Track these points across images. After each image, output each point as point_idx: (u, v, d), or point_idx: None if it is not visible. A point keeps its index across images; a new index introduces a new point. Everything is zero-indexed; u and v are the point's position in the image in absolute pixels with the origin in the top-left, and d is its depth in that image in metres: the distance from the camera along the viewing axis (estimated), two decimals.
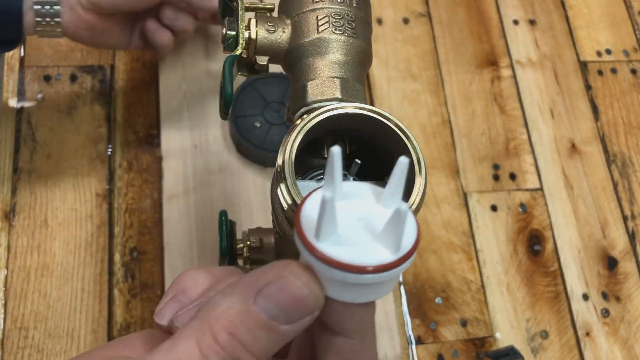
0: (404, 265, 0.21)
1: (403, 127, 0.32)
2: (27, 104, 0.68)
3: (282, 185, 0.31)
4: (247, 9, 0.38)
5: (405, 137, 0.32)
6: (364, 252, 0.21)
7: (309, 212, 0.21)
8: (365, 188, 0.23)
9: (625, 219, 0.71)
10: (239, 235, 0.51)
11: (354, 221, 0.21)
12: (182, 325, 0.21)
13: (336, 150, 0.21)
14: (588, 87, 0.78)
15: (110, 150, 0.67)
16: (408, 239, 0.21)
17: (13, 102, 0.67)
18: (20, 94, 0.68)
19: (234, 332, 0.19)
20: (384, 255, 0.21)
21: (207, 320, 0.20)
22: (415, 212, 0.30)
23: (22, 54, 0.70)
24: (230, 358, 0.19)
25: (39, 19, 0.49)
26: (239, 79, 0.67)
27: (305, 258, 0.21)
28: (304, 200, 0.22)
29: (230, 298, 0.20)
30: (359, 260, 0.20)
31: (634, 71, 0.79)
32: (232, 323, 0.20)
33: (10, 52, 0.69)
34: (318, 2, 0.37)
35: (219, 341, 0.19)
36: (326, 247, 0.20)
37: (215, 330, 0.19)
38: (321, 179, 0.36)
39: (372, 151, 0.36)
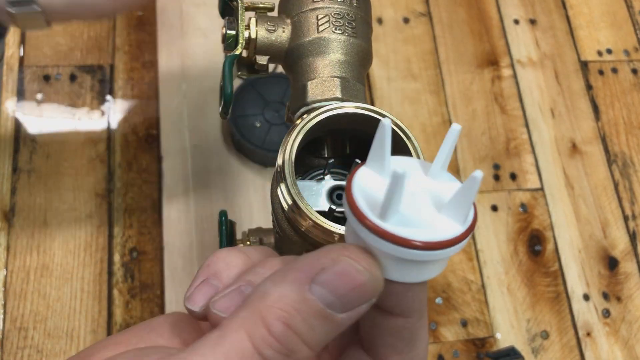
0: (470, 235, 0.20)
1: (403, 127, 0.32)
2: (26, 104, 0.67)
3: (282, 185, 0.30)
4: (247, 9, 0.38)
5: (406, 137, 0.32)
6: (432, 227, 0.20)
7: (362, 191, 0.20)
8: (410, 162, 0.22)
9: (626, 219, 0.71)
10: (238, 236, 0.51)
11: (409, 196, 0.20)
12: (228, 316, 0.19)
13: (387, 123, 0.19)
14: (589, 87, 0.77)
15: (109, 150, 0.66)
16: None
17: (12, 102, 0.67)
18: (20, 94, 0.68)
19: (289, 323, 0.18)
20: (454, 227, 0.20)
21: (258, 310, 0.18)
22: None
23: (21, 53, 0.70)
24: (285, 350, 0.18)
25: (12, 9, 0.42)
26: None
27: (366, 241, 0.19)
28: (351, 178, 0.20)
29: (282, 286, 0.18)
30: (433, 237, 0.19)
31: (634, 71, 0.79)
32: (286, 313, 0.18)
33: (10, 52, 0.69)
34: (318, 1, 0.37)
35: (273, 332, 0.18)
36: (395, 227, 0.19)
37: (269, 320, 0.18)
38: (321, 178, 0.36)
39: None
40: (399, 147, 0.32)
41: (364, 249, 0.19)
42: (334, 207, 0.34)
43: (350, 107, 0.33)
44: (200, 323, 0.22)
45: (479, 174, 0.19)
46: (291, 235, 0.32)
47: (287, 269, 0.19)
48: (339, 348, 0.23)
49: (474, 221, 0.20)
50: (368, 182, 0.20)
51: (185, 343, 0.22)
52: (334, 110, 0.32)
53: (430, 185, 0.21)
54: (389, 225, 0.19)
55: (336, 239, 0.29)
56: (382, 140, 0.20)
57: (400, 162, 0.22)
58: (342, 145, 0.38)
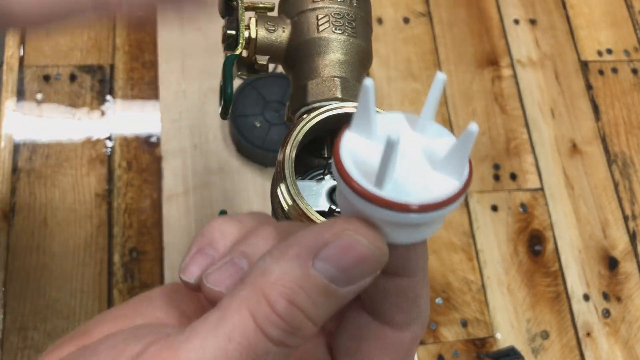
0: (466, 191, 0.19)
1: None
2: (26, 104, 0.67)
3: (282, 185, 0.30)
4: (247, 9, 0.38)
5: None
6: (428, 187, 0.19)
7: (352, 157, 0.19)
8: (396, 118, 0.21)
9: (626, 219, 0.71)
10: None
11: (401, 157, 0.19)
12: (221, 289, 0.19)
13: (369, 83, 0.19)
14: (589, 87, 0.77)
15: (109, 150, 0.66)
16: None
17: (12, 102, 0.67)
18: (20, 94, 0.68)
19: (293, 300, 0.17)
20: (450, 184, 0.19)
21: (260, 288, 0.17)
22: None
23: (21, 53, 0.70)
24: (290, 328, 0.17)
25: None
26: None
27: (364, 210, 0.18)
28: (336, 149, 0.19)
29: (284, 262, 0.18)
30: (430, 197, 0.18)
31: (634, 71, 0.79)
32: (290, 289, 0.17)
33: (10, 52, 0.69)
34: (318, 1, 0.37)
35: (277, 310, 0.17)
36: (392, 194, 0.18)
37: (272, 298, 0.17)
38: (321, 178, 0.36)
39: None
40: None
41: (366, 222, 0.19)
42: (333, 207, 0.34)
43: (350, 107, 0.33)
44: (198, 294, 0.21)
45: (474, 127, 0.18)
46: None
47: (288, 244, 0.18)
48: (340, 313, 0.22)
49: (469, 176, 0.19)
50: (356, 147, 0.19)
51: (184, 315, 0.21)
52: (334, 110, 0.32)
53: (420, 140, 0.20)
54: (386, 193, 0.18)
55: None
56: (366, 101, 0.19)
57: (387, 122, 0.21)
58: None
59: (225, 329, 0.17)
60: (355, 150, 0.19)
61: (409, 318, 0.21)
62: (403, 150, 0.19)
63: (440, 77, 0.20)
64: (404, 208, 0.18)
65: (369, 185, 0.18)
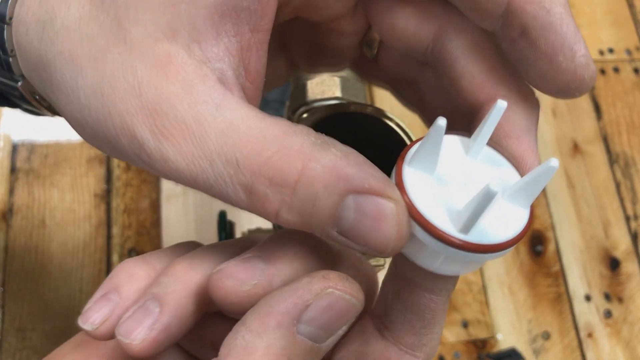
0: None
1: (404, 126, 0.32)
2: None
3: None
4: None
5: (407, 136, 0.32)
6: (508, 224, 0.18)
7: (423, 200, 0.18)
8: (449, 142, 0.20)
9: (627, 219, 0.70)
10: (238, 236, 0.50)
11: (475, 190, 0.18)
12: (139, 343, 0.18)
13: (442, 123, 0.17)
14: None
15: None
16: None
17: None
18: None
19: None
20: (522, 216, 0.19)
21: None
22: None
23: None
24: None
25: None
26: None
27: (437, 250, 0.18)
28: (402, 188, 0.18)
29: (266, 335, 0.17)
30: (512, 234, 0.18)
31: (636, 70, 0.79)
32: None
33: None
34: None
35: None
36: (479, 237, 0.18)
37: None
38: None
39: (372, 151, 0.36)
40: (401, 146, 0.32)
41: (344, 275, 0.18)
42: None
43: (350, 106, 0.32)
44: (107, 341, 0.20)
45: (555, 163, 0.17)
46: None
47: (267, 312, 0.17)
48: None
49: (532, 211, 0.19)
50: (420, 186, 0.18)
51: None
52: (334, 110, 0.32)
53: (482, 169, 0.19)
54: (472, 237, 0.18)
55: None
56: (435, 141, 0.18)
57: (451, 153, 0.19)
58: (349, 145, 0.38)
59: None
60: (422, 190, 0.18)
61: (419, 342, 0.20)
62: (474, 183, 0.19)
63: (501, 105, 0.18)
64: (490, 249, 0.18)
65: (455, 233, 0.17)
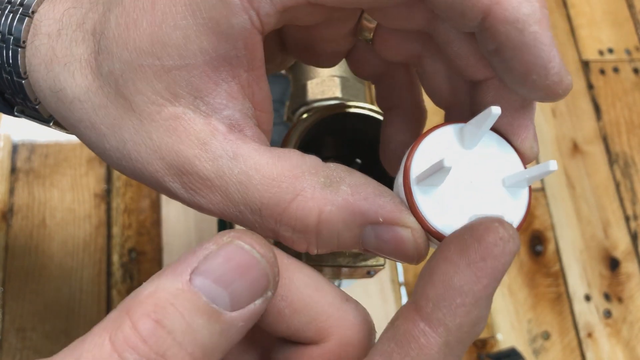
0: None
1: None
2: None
3: None
4: None
5: None
6: (507, 216, 0.20)
7: (440, 220, 0.19)
8: (445, 136, 0.20)
9: (627, 219, 0.70)
10: None
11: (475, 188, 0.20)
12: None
13: (447, 164, 0.18)
14: (590, 87, 0.77)
15: None
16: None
17: None
18: None
19: (160, 319, 0.14)
20: (522, 203, 0.20)
21: (127, 308, 0.15)
22: None
23: None
24: (154, 354, 0.14)
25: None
26: None
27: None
28: (418, 216, 0.19)
29: (158, 279, 0.15)
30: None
31: (636, 70, 0.79)
32: (158, 306, 0.15)
33: None
34: None
35: (140, 330, 0.14)
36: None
37: (136, 317, 0.15)
38: None
39: (372, 150, 0.36)
40: None
41: (257, 235, 0.17)
42: None
43: (350, 107, 0.32)
44: None
45: (554, 166, 0.19)
46: None
47: (171, 263, 0.16)
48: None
49: (529, 199, 0.20)
50: (432, 202, 0.19)
51: None
52: (334, 110, 0.32)
53: (480, 160, 0.20)
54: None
55: None
56: (441, 176, 0.19)
57: (438, 145, 0.20)
58: (342, 145, 0.38)
59: (76, 354, 0.15)
60: (434, 205, 0.19)
61: (434, 313, 0.17)
62: (479, 181, 0.20)
63: (495, 112, 0.19)
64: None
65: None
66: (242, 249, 0.16)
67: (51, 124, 0.24)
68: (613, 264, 0.68)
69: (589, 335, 0.64)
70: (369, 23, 0.24)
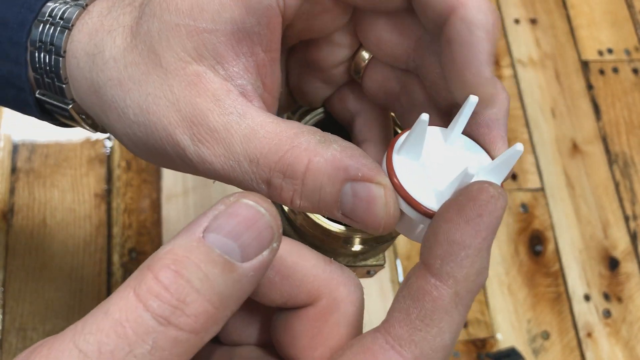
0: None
1: (401, 125, 0.32)
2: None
3: None
4: None
5: None
6: None
7: (411, 184, 0.21)
8: (431, 132, 0.23)
9: (627, 219, 0.71)
10: None
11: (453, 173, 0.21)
12: None
13: (425, 117, 0.20)
14: (589, 87, 0.77)
15: (109, 150, 0.66)
16: None
17: None
18: None
19: (179, 270, 0.16)
20: None
21: (147, 265, 0.16)
22: None
23: None
24: (174, 300, 0.15)
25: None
26: None
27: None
28: (392, 173, 0.21)
29: (174, 240, 0.17)
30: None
31: (635, 70, 0.79)
32: (176, 260, 0.16)
33: None
34: None
35: (161, 280, 0.16)
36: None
37: (156, 270, 0.16)
38: None
39: None
40: None
41: (260, 194, 0.18)
42: None
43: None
44: None
45: (520, 147, 0.20)
46: (291, 235, 0.32)
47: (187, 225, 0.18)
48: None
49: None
50: (409, 171, 0.21)
51: None
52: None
53: (458, 154, 0.22)
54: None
55: (337, 240, 0.29)
56: (420, 133, 0.21)
57: (434, 140, 0.22)
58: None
59: (104, 308, 0.16)
60: (409, 174, 0.21)
61: (409, 337, 0.18)
62: (453, 166, 0.21)
63: (473, 100, 0.21)
64: None
65: (435, 207, 0.20)
66: (248, 205, 0.17)
67: (70, 106, 0.26)
68: (612, 263, 0.68)
69: (589, 335, 0.64)
70: (362, 62, 0.27)
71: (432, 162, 0.21)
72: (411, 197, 0.20)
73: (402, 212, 0.21)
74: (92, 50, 0.24)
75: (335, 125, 0.33)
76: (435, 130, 0.23)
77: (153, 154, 0.23)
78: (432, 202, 0.20)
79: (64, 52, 0.25)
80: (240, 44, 0.22)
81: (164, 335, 0.15)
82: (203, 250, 0.16)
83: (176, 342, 0.16)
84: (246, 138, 0.21)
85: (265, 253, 0.17)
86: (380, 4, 0.23)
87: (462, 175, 0.19)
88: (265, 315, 0.22)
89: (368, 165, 0.21)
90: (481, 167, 0.21)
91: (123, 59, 0.23)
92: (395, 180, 0.21)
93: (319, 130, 0.22)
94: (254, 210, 0.17)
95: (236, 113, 0.21)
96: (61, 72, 0.25)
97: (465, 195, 0.18)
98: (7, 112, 0.67)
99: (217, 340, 0.23)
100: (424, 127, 0.20)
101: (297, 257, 0.20)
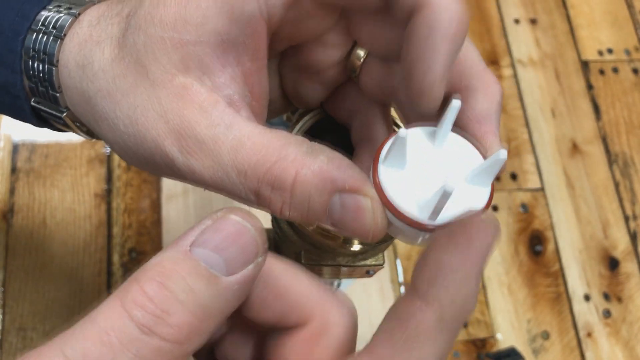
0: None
1: (402, 125, 0.32)
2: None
3: None
4: None
5: None
6: (469, 206, 0.21)
7: (398, 193, 0.21)
8: (416, 134, 0.23)
9: (626, 219, 0.71)
10: None
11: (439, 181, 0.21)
12: None
13: (403, 134, 0.20)
14: (589, 87, 0.77)
15: (108, 150, 0.66)
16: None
17: None
18: None
19: (164, 282, 0.16)
20: (483, 194, 0.21)
21: (135, 277, 0.17)
22: None
23: None
24: (158, 311, 0.16)
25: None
26: None
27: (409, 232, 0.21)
28: (378, 185, 0.21)
29: (162, 253, 0.17)
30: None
31: (635, 70, 0.79)
32: (162, 272, 0.17)
33: None
34: None
35: (146, 291, 0.16)
36: (442, 220, 0.20)
37: (142, 282, 0.16)
38: None
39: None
40: None
41: (246, 210, 0.19)
42: None
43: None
44: None
45: (504, 155, 0.20)
46: (290, 235, 0.32)
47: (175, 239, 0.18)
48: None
49: (492, 189, 0.22)
50: (394, 181, 0.21)
51: None
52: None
53: (446, 156, 0.22)
54: (439, 221, 0.20)
55: (336, 240, 0.29)
56: (402, 148, 0.21)
57: (411, 142, 0.22)
58: (343, 145, 0.38)
59: (89, 319, 0.16)
60: (395, 184, 0.21)
61: (391, 358, 0.19)
62: (440, 171, 0.22)
63: (456, 104, 0.21)
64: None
65: (424, 219, 0.20)
66: (234, 221, 0.18)
67: (64, 114, 0.27)
68: (612, 263, 0.68)
69: (589, 334, 0.64)
70: (357, 60, 0.27)
71: (419, 169, 0.22)
72: (395, 208, 0.21)
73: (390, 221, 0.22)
74: (82, 61, 0.24)
75: (335, 123, 0.33)
76: (423, 132, 0.23)
77: (144, 163, 0.23)
78: (416, 212, 0.21)
79: (57, 61, 0.25)
80: (226, 54, 0.22)
81: (147, 345, 0.16)
82: (189, 264, 0.17)
83: (159, 352, 0.16)
84: (234, 150, 0.21)
85: (250, 267, 0.18)
86: (359, 3, 0.24)
87: (441, 193, 0.19)
88: (260, 336, 0.23)
89: (355, 177, 0.21)
90: (466, 173, 0.22)
91: (111, 71, 0.23)
92: (381, 191, 0.21)
93: (306, 140, 0.22)
94: (239, 226, 0.18)
95: (223, 125, 0.21)
96: (55, 81, 0.25)
97: (457, 223, 0.19)
98: None
99: (212, 359, 0.24)
100: (403, 142, 0.21)
101: (291, 277, 0.21)
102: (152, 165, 0.23)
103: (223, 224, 0.18)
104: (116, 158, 0.66)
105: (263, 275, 0.21)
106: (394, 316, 0.19)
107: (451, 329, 0.18)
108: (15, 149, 0.65)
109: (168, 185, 0.65)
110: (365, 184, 0.21)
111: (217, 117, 0.22)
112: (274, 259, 0.21)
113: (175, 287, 0.16)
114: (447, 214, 0.20)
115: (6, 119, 0.66)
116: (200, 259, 0.17)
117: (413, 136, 0.22)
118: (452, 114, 0.22)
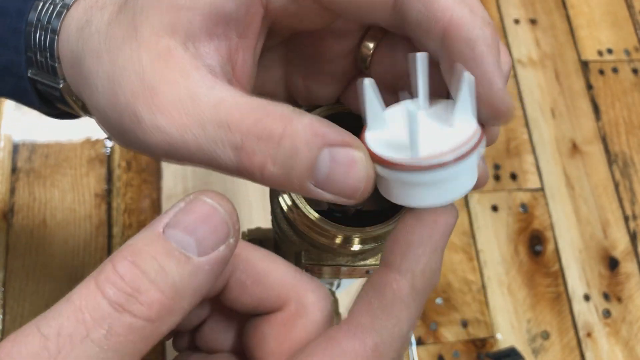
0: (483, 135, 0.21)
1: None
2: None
3: None
4: None
5: None
6: (456, 139, 0.21)
7: (384, 148, 0.21)
8: (400, 107, 0.23)
9: (626, 219, 0.71)
10: None
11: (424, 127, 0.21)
12: None
13: (368, 82, 0.20)
14: (589, 87, 0.77)
15: (109, 150, 0.66)
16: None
17: (12, 102, 0.67)
18: None
19: (136, 261, 0.17)
20: (471, 127, 0.21)
21: (109, 258, 0.18)
22: None
23: None
24: (129, 289, 0.17)
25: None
26: None
27: (406, 181, 0.20)
28: (367, 147, 0.21)
29: (138, 235, 0.18)
30: (462, 142, 0.20)
31: (635, 71, 0.79)
32: (134, 252, 0.17)
33: None
34: None
35: (118, 270, 0.17)
36: (429, 156, 0.20)
37: (115, 261, 0.17)
38: None
39: None
40: None
41: (220, 193, 0.19)
42: (333, 207, 0.33)
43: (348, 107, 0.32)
44: None
45: (469, 76, 0.20)
46: (290, 235, 0.32)
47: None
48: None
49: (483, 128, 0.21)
50: (380, 140, 0.21)
51: None
52: (334, 109, 0.32)
53: (430, 111, 0.22)
54: (424, 157, 0.20)
55: (336, 240, 0.29)
56: (372, 99, 0.21)
57: (395, 112, 0.22)
58: None
59: (67, 298, 0.17)
60: (378, 140, 0.21)
61: (371, 325, 0.20)
62: (422, 122, 0.21)
63: (421, 56, 0.21)
64: (441, 165, 0.20)
65: (410, 160, 0.20)
66: (205, 202, 0.18)
67: (61, 85, 0.27)
68: (612, 263, 0.68)
69: (588, 334, 0.65)
70: (367, 51, 0.26)
71: (402, 126, 0.22)
72: (384, 159, 0.21)
73: (378, 177, 0.21)
74: (82, 24, 0.24)
75: (345, 121, 0.33)
76: (404, 104, 0.23)
77: (115, 129, 0.23)
78: (404, 156, 0.20)
79: (60, 29, 0.25)
80: (216, 25, 0.22)
81: (119, 322, 0.16)
82: (160, 244, 0.17)
83: (131, 329, 0.17)
84: (215, 107, 0.20)
85: (222, 248, 0.18)
86: (367, 18, 0.23)
87: (407, 116, 0.19)
88: (240, 323, 0.23)
89: (344, 133, 0.21)
90: (450, 110, 0.22)
91: (105, 32, 0.23)
92: (366, 146, 0.21)
93: (291, 105, 0.22)
94: (210, 207, 0.18)
95: (205, 86, 0.21)
96: (55, 50, 0.25)
97: (424, 210, 0.21)
98: (7, 112, 0.67)
99: (194, 347, 0.24)
100: (370, 91, 0.21)
101: (269, 263, 0.22)
102: (123, 133, 0.22)
103: (194, 206, 0.18)
104: (116, 158, 0.66)
105: (242, 261, 0.22)
106: (371, 288, 0.20)
107: (422, 296, 0.20)
108: (16, 149, 0.65)
109: (168, 185, 0.65)
110: (355, 139, 0.21)
111: (199, 79, 0.21)
112: (251, 246, 0.22)
113: (147, 266, 0.17)
114: (440, 148, 0.20)
115: (7, 119, 0.66)
116: (171, 240, 0.18)
117: (396, 109, 0.23)
118: (422, 72, 0.21)
